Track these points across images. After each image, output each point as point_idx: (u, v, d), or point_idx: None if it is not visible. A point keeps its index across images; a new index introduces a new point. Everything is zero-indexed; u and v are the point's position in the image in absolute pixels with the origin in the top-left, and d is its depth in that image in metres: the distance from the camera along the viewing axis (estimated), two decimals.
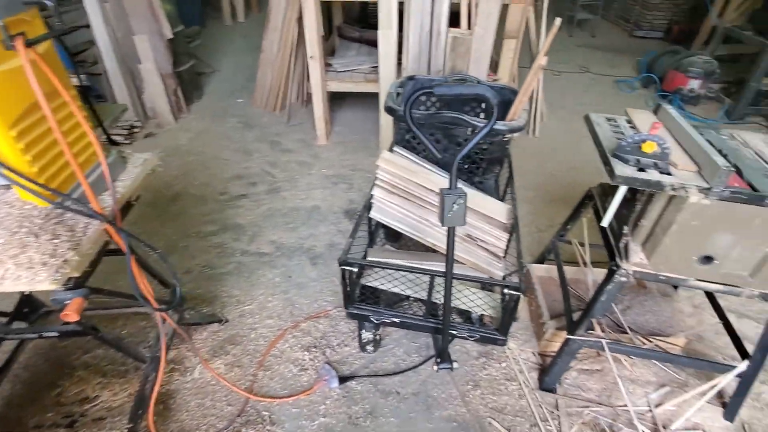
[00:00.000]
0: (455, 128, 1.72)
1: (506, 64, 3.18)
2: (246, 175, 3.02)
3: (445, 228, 1.28)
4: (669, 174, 1.22)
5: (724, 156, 1.26)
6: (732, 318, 2.05)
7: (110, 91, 3.51)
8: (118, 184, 1.28)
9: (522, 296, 1.31)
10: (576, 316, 1.63)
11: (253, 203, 2.73)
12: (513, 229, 1.64)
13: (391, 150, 1.86)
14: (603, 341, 1.52)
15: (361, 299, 1.68)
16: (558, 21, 1.47)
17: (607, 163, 1.28)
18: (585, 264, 2.02)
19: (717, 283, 1.34)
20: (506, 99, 2.05)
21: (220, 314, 1.95)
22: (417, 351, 1.85)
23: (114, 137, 3.26)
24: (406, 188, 1.65)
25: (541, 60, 1.54)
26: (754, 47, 4.59)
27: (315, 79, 3.13)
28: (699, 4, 6.40)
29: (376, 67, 3.43)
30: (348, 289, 1.44)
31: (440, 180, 1.71)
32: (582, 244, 2.04)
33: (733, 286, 1.34)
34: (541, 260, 2.22)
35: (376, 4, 2.79)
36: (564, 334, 1.72)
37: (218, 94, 4.27)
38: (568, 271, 2.06)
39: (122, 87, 3.40)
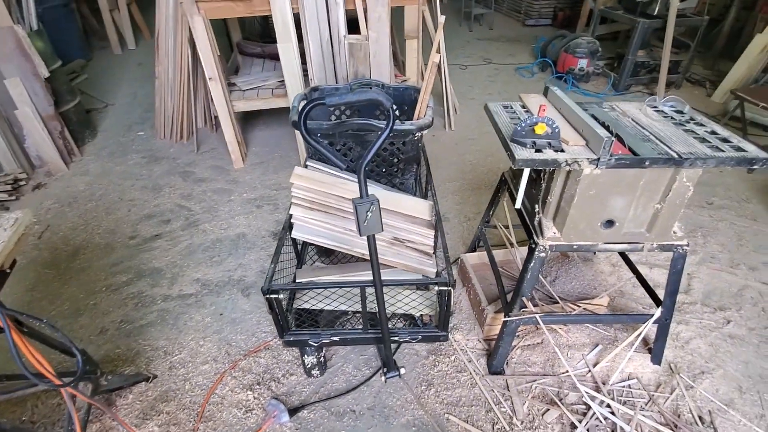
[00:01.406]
0: (366, 134, 1.71)
1: (412, 63, 3.26)
2: (157, 213, 2.78)
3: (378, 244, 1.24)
4: (562, 151, 1.29)
5: (606, 127, 1.37)
6: (644, 270, 2.25)
7: None
8: None
9: (452, 289, 1.31)
10: (510, 297, 1.69)
11: (169, 242, 2.52)
12: (436, 224, 1.66)
13: (305, 165, 1.80)
14: (536, 316, 1.59)
15: (298, 323, 1.60)
16: (442, 18, 1.51)
17: (507, 148, 1.33)
18: (512, 245, 2.10)
19: (621, 243, 1.45)
20: (412, 98, 2.08)
21: (145, 371, 1.76)
22: (366, 363, 1.80)
23: None
24: (324, 202, 1.60)
25: (435, 57, 1.57)
26: (626, 25, 5.15)
27: (219, 101, 2.98)
28: None
29: (282, 81, 3.35)
30: (279, 317, 1.36)
31: (357, 187, 1.68)
32: (506, 227, 2.12)
33: (635, 243, 1.45)
34: (473, 248, 2.28)
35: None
36: (502, 317, 1.78)
37: (115, 130, 3.91)
38: (498, 254, 2.14)
39: None
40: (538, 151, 1.30)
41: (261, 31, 5.07)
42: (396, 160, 1.83)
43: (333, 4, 2.65)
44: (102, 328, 1.99)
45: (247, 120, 3.97)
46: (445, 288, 1.29)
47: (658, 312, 1.63)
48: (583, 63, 4.62)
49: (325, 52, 2.76)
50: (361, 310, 1.47)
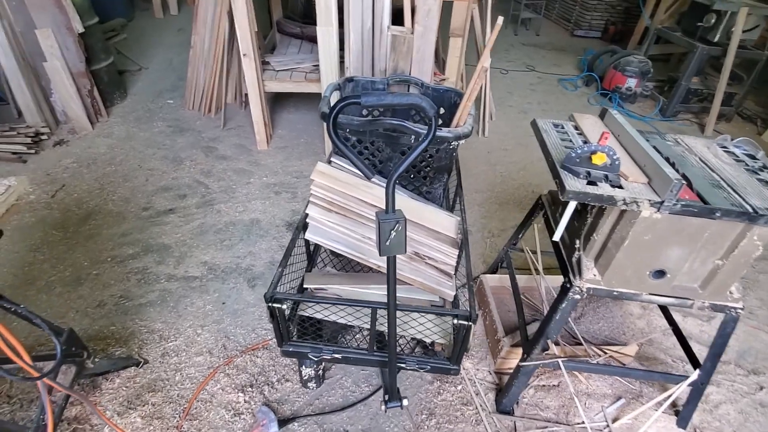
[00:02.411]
0: (399, 136, 1.57)
1: (453, 62, 3.09)
2: (175, 186, 2.71)
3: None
4: (620, 187, 1.13)
5: (672, 164, 1.20)
6: (678, 318, 2.07)
7: (10, 94, 3.05)
8: None
9: (474, 325, 1.18)
10: (531, 329, 1.55)
11: (182, 219, 2.45)
12: (462, 245, 1.52)
13: (328, 161, 1.68)
14: (559, 361, 1.44)
15: (300, 330, 1.49)
16: (500, 19, 1.36)
17: (556, 176, 1.18)
18: (537, 272, 1.95)
19: (669, 296, 1.29)
20: (452, 102, 1.93)
21: (136, 355, 1.69)
22: (366, 380, 1.69)
23: (10, 149, 2.83)
24: (345, 205, 1.48)
25: (485, 62, 1.42)
26: (682, 48, 4.84)
27: (251, 79, 2.88)
28: (632, 6, 6.74)
29: (317, 65, 3.22)
30: (280, 326, 1.25)
31: (381, 193, 1.55)
32: (534, 252, 1.97)
33: (684, 298, 1.29)
34: (494, 269, 2.14)
35: None
36: (520, 351, 1.64)
37: (145, 95, 3.87)
38: (521, 279, 1.99)
39: (23, 88, 2.96)
40: (591, 183, 1.14)
41: (302, 10, 4.94)
42: (427, 167, 1.69)
43: None
44: (100, 301, 1.92)
45: (276, 100, 3.87)
46: (466, 323, 1.16)
47: (695, 375, 1.47)
48: (632, 83, 4.36)
49: (365, 41, 2.62)
50: (369, 327, 1.35)
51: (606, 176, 1.14)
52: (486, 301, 1.92)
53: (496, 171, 3.16)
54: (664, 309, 1.78)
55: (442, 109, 1.97)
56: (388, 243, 1.00)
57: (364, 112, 2.02)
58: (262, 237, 2.36)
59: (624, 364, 1.71)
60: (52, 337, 1.12)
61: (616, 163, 1.13)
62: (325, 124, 1.63)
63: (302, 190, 2.77)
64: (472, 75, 1.47)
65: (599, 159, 1.11)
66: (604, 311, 1.98)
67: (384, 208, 1.03)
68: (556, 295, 1.88)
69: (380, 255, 1.03)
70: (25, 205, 2.45)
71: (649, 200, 1.09)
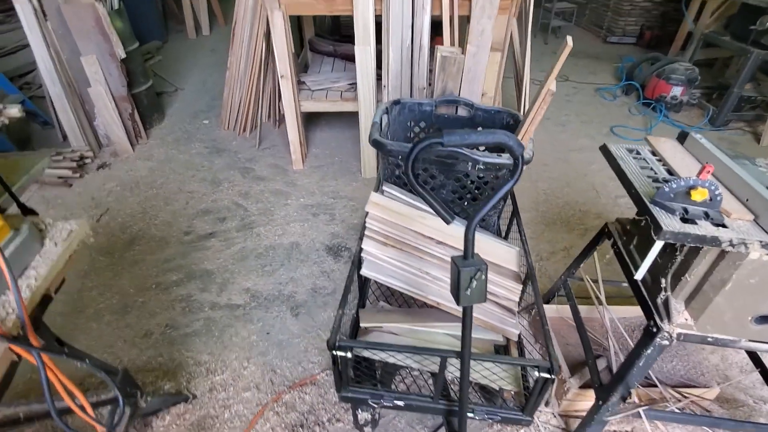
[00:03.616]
0: (454, 162, 1.49)
1: (492, 77, 2.98)
2: (214, 209, 2.71)
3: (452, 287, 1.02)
4: (723, 225, 1.01)
5: None
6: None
7: (56, 118, 3.14)
8: (30, 274, 0.95)
9: (556, 378, 1.07)
10: (597, 365, 1.42)
11: (223, 243, 2.43)
12: (528, 278, 1.41)
13: (378, 188, 1.61)
14: (641, 410, 1.31)
15: (356, 372, 1.41)
16: (569, 40, 1.27)
17: (646, 211, 1.07)
18: (600, 302, 1.81)
19: None
20: (505, 123, 1.84)
21: (185, 390, 1.64)
22: (420, 420, 1.59)
23: (57, 174, 2.89)
24: (400, 237, 1.40)
25: (551, 85, 1.33)
26: (730, 52, 4.60)
27: (288, 100, 2.86)
28: (669, 10, 6.50)
29: (354, 83, 3.19)
30: (341, 372, 1.18)
31: (440, 224, 1.46)
32: (595, 281, 1.84)
33: None
34: (549, 298, 2.01)
35: (349, 16, 2.56)
36: (589, 394, 1.51)
37: (182, 116, 3.93)
38: (581, 310, 1.86)
39: (68, 113, 3.04)
40: (688, 221, 1.03)
41: (331, 27, 4.97)
42: (482, 195, 1.60)
43: (419, 8, 2.45)
44: (147, 330, 1.90)
45: (309, 118, 3.86)
46: (548, 376, 1.06)
47: None
48: (677, 91, 4.15)
49: (404, 59, 2.57)
50: (431, 369, 1.26)
51: (706, 213, 1.03)
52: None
53: (539, 188, 3.02)
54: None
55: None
56: (468, 292, 0.91)
57: (411, 134, 1.96)
58: (302, 262, 2.31)
59: (707, 410, 1.56)
60: (118, 395, 1.07)
61: (718, 198, 1.01)
62: (376, 150, 1.57)
63: (340, 212, 2.71)
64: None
65: (699, 195, 1.00)
66: (677, 346, 1.83)
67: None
68: (621, 328, 1.76)
69: (458, 305, 0.94)
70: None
71: (761, 241, 0.96)
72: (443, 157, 1.49)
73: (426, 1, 2.44)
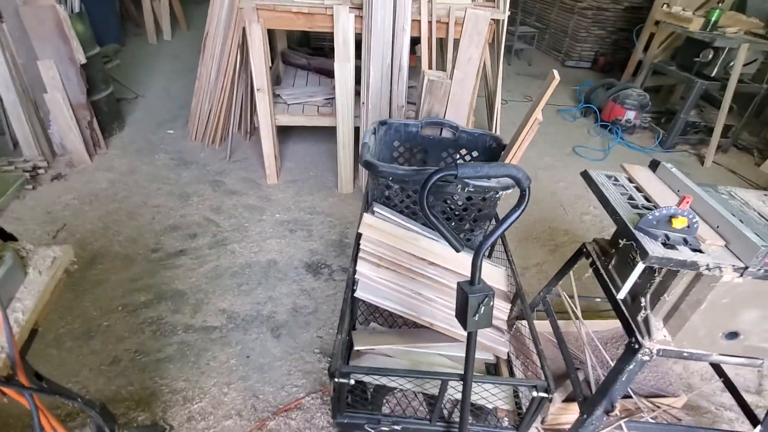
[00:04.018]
0: (445, 185, 1.52)
1: None
2: (184, 225, 2.59)
3: (448, 313, 1.05)
4: (700, 251, 1.10)
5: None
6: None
7: (8, 126, 2.90)
8: (17, 307, 0.86)
9: (552, 397, 1.11)
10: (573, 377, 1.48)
11: (195, 261, 2.32)
12: (518, 297, 1.46)
13: (368, 208, 1.61)
14: (622, 423, 1.37)
15: (351, 397, 1.39)
16: (556, 74, 1.34)
17: (631, 237, 1.14)
18: (576, 317, 1.89)
19: (740, 356, 1.25)
20: (487, 146, 1.90)
21: (161, 421, 1.54)
22: None
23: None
24: (394, 259, 1.40)
25: (538, 114, 1.39)
26: (676, 80, 5.02)
27: (263, 114, 2.81)
28: (620, 39, 7.02)
29: (330, 98, 3.19)
30: (340, 399, 1.15)
31: (432, 245, 1.48)
32: (572, 297, 1.92)
33: (754, 358, 1.25)
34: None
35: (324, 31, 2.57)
36: (572, 407, 1.57)
37: (144, 125, 3.75)
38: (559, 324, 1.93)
39: (22, 121, 2.81)
40: (669, 246, 1.10)
41: (300, 39, 4.94)
42: (469, 216, 1.64)
43: (400, 30, 2.50)
44: (115, 356, 1.77)
45: (282, 131, 3.79)
46: (545, 395, 1.09)
47: (756, 430, 1.42)
48: (630, 115, 4.47)
49: (384, 77, 2.61)
50: (427, 391, 1.26)
51: (684, 239, 1.11)
52: (526, 350, 1.85)
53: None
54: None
55: (475, 152, 1.94)
56: (476, 318, 0.93)
57: (395, 154, 1.98)
58: (281, 280, 2.25)
59: (677, 418, 1.66)
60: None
61: (695, 226, 1.10)
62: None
63: (317, 228, 2.68)
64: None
65: (680, 223, 1.08)
66: None
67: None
68: (596, 341, 1.84)
69: (465, 330, 0.96)
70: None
71: (733, 266, 1.05)
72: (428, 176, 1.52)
73: (406, 23, 2.50)
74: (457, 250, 0.98)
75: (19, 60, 2.75)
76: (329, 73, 3.77)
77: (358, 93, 2.80)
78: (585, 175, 1.48)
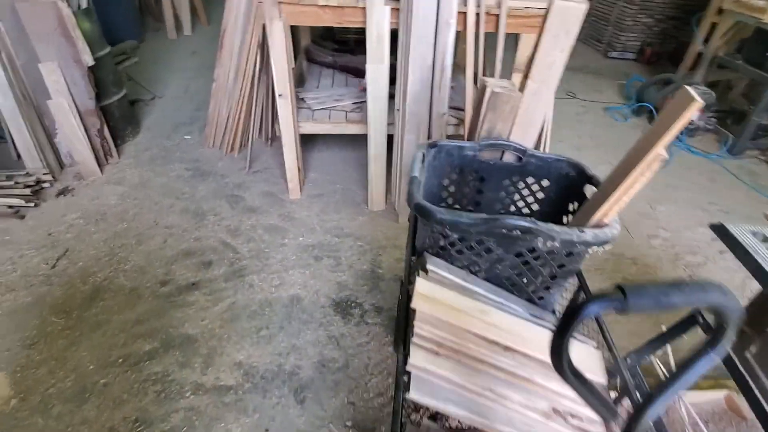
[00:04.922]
0: (521, 236, 1.16)
1: None
2: (198, 250, 2.30)
3: (530, 417, 0.70)
4: None
5: None
6: None
7: (9, 135, 2.67)
8: None
9: None
10: None
11: (209, 297, 2.03)
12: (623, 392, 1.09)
13: (417, 259, 1.27)
14: None
15: None
16: (695, 95, 0.95)
17: None
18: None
19: None
20: (562, 174, 1.52)
21: None
22: None
23: (6, 203, 2.42)
24: (458, 345, 1.05)
25: (660, 149, 1.01)
26: (741, 76, 4.44)
27: (285, 122, 2.48)
28: (668, 27, 6.39)
29: (359, 102, 2.84)
30: None
31: (506, 321, 1.13)
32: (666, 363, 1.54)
33: None
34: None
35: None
36: None
37: (160, 129, 3.48)
38: None
39: (23, 130, 2.57)
40: None
41: (323, 33, 4.58)
42: (544, 270, 1.27)
43: (444, 24, 2.12)
44: (111, 428, 1.49)
45: (306, 137, 3.47)
46: None
47: None
48: (693, 115, 3.94)
49: (424, 80, 2.23)
50: None
51: None
52: None
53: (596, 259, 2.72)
54: None
55: (546, 180, 1.55)
56: None
57: (446, 181, 1.61)
58: (306, 323, 1.93)
59: None
60: None
61: None
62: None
63: (345, 254, 2.35)
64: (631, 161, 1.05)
65: None
66: None
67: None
68: (697, 419, 1.46)
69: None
70: (20, 279, 2.05)
71: None
72: (503, 227, 1.16)
73: (451, 15, 2.11)
74: (610, 420, 0.63)
75: (18, 62, 2.49)
76: (357, 72, 3.41)
77: (391, 96, 2.44)
78: (720, 231, 1.09)
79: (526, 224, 1.10)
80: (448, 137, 2.50)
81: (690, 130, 3.98)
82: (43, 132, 2.72)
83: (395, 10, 2.20)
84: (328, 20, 2.25)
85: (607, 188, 1.15)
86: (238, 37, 2.72)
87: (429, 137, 2.40)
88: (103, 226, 2.42)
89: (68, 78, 2.61)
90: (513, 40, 2.65)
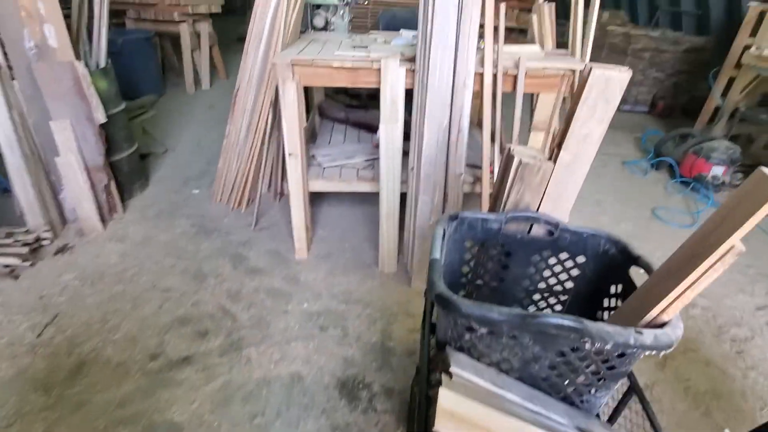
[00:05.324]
0: (562, 334, 0.97)
1: None
2: (195, 317, 2.13)
3: None
4: None
5: None
6: None
7: (14, 191, 2.62)
8: None
9: None
10: None
11: (201, 374, 1.83)
12: None
13: (438, 353, 1.08)
14: None
15: None
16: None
17: None
18: None
19: None
20: (601, 251, 1.35)
21: None
22: None
23: (2, 262, 2.31)
24: None
25: (736, 240, 0.84)
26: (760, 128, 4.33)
27: (295, 181, 2.39)
28: (680, 82, 6.43)
29: (371, 159, 2.76)
30: None
31: None
32: None
33: None
34: None
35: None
36: None
37: (169, 183, 3.44)
38: None
39: (27, 188, 2.51)
40: None
41: (337, 88, 4.64)
42: (591, 372, 1.07)
43: (460, 85, 2.05)
44: None
45: (315, 192, 3.39)
46: None
47: None
48: (718, 171, 3.80)
49: (440, 141, 2.14)
50: None
51: None
52: None
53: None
54: None
55: (582, 257, 1.39)
56: None
57: (467, 255, 1.45)
58: (306, 409, 1.71)
59: None
60: None
61: None
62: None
63: (353, 324, 2.15)
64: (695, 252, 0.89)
65: None
66: None
67: None
68: None
69: None
70: (5, 349, 1.89)
71: None
72: (544, 326, 0.98)
73: (468, 77, 2.05)
74: None
75: (29, 120, 2.48)
76: (369, 128, 3.38)
77: (405, 152, 2.35)
78: None
79: (572, 324, 0.92)
80: (465, 195, 2.38)
81: (716, 186, 3.81)
82: (48, 187, 2.66)
83: (410, 71, 2.16)
84: (342, 81, 2.21)
85: (664, 278, 0.98)
86: (251, 96, 2.71)
87: (444, 198, 2.27)
88: (99, 287, 2.28)
89: (79, 135, 2.59)
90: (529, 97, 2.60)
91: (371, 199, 3.14)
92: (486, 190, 2.43)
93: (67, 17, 2.55)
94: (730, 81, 4.62)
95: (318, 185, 2.58)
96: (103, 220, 2.80)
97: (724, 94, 4.73)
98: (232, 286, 2.36)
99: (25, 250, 2.41)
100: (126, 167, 3.08)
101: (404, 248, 2.59)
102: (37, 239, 2.51)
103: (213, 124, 4.73)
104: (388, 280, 2.49)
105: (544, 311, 1.53)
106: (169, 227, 2.85)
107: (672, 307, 0.96)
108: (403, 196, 2.43)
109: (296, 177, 2.38)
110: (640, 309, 1.01)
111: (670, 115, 6.37)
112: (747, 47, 4.29)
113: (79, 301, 2.18)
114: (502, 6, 2.20)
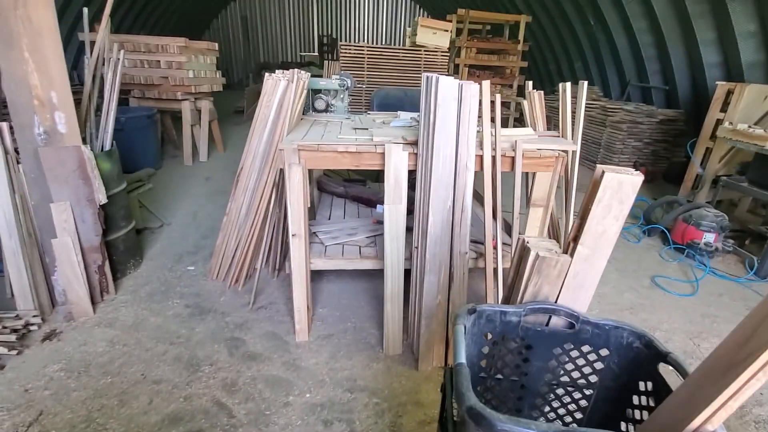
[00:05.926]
0: None
1: (532, 233, 2.62)
2: (186, 414, 1.97)
3: None
4: None
5: None
6: None
7: (7, 274, 2.52)
8: None
9: None
10: None
11: None
12: None
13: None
14: None
15: None
16: None
17: None
18: None
19: None
20: (624, 344, 1.31)
21: None
22: None
23: None
24: None
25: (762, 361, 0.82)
26: (751, 197, 4.50)
27: (297, 261, 2.35)
28: (658, 149, 6.79)
29: (373, 236, 2.76)
30: None
31: None
32: None
33: None
34: None
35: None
36: None
37: (164, 259, 3.36)
38: None
39: (21, 272, 2.43)
40: None
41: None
42: None
43: (462, 168, 2.12)
44: None
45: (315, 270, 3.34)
46: None
47: None
48: (709, 237, 3.88)
49: (444, 222, 2.16)
50: None
51: None
52: None
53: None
54: None
55: (605, 350, 1.34)
56: None
57: (489, 335, 1.40)
58: None
59: None
60: None
61: None
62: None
63: (360, 417, 2.01)
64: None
65: None
66: None
67: None
68: None
69: None
70: None
71: None
72: None
73: (470, 160, 2.13)
74: None
75: (30, 202, 2.46)
76: (369, 202, 3.43)
77: (408, 229, 2.35)
78: None
79: None
80: (470, 271, 2.35)
81: (709, 252, 3.87)
82: (41, 270, 2.58)
83: (413, 155, 2.23)
84: (347, 164, 2.27)
85: (702, 386, 0.94)
86: (254, 177, 2.75)
87: (450, 276, 2.25)
88: (86, 380, 2.12)
89: (77, 216, 2.56)
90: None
91: (371, 273, 3.10)
92: (490, 265, 2.42)
93: (77, 102, 2.64)
94: (708, 150, 4.89)
95: (320, 264, 2.54)
96: (94, 302, 2.68)
97: (703, 162, 4.99)
98: (227, 375, 2.21)
99: (13, 337, 2.26)
100: (122, 246, 3.02)
101: (409, 327, 2.51)
102: (26, 325, 2.38)
103: (209, 196, 4.77)
104: (394, 363, 2.37)
105: (569, 405, 1.45)
106: (161, 309, 2.74)
107: (716, 417, 0.91)
108: (406, 272, 2.40)
109: (299, 257, 2.34)
110: (681, 418, 0.96)
111: (652, 181, 6.64)
112: (719, 120, 4.60)
113: (65, 397, 2.01)
114: (498, 96, 2.35)
